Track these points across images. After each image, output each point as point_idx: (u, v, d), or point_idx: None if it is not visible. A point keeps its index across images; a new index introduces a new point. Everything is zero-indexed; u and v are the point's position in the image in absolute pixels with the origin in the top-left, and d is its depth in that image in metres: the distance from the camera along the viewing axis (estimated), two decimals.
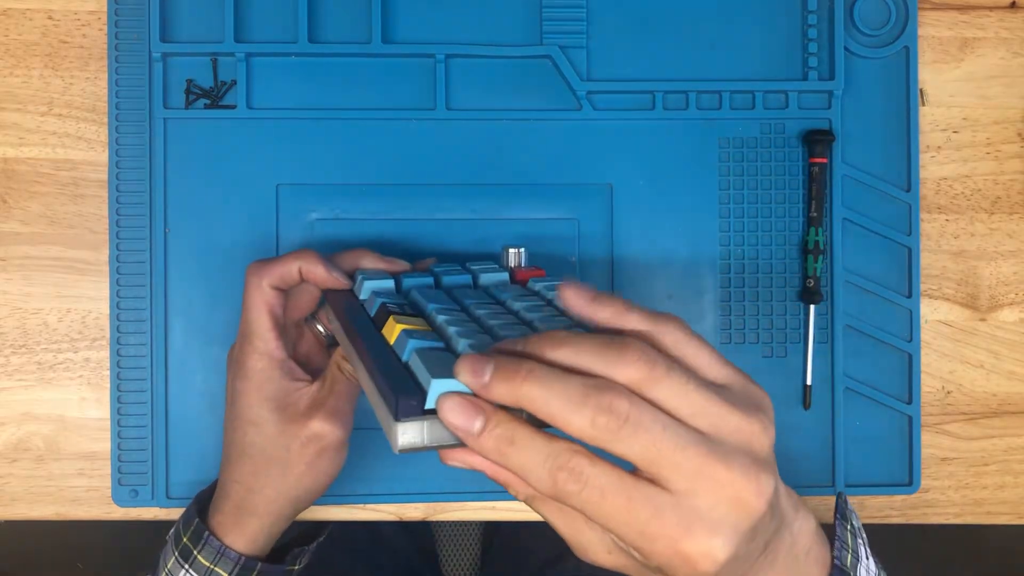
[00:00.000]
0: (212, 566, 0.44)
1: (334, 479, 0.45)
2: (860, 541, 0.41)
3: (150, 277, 0.50)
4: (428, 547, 0.77)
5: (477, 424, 0.29)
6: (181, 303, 0.51)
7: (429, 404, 0.29)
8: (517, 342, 0.30)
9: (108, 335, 0.51)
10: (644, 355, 0.29)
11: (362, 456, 0.50)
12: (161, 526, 0.49)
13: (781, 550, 0.33)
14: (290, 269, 0.43)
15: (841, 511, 0.41)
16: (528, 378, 0.28)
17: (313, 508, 0.52)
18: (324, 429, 0.43)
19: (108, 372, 0.51)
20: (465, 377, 0.29)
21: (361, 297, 0.42)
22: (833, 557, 0.38)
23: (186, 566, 0.44)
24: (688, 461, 0.28)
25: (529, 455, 0.29)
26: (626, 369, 0.29)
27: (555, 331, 0.30)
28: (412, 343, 0.32)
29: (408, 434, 0.29)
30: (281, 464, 0.43)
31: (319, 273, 0.43)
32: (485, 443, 0.29)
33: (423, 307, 0.37)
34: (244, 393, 0.43)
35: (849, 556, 0.39)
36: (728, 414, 0.29)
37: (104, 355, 0.51)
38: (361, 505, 0.52)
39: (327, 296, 0.44)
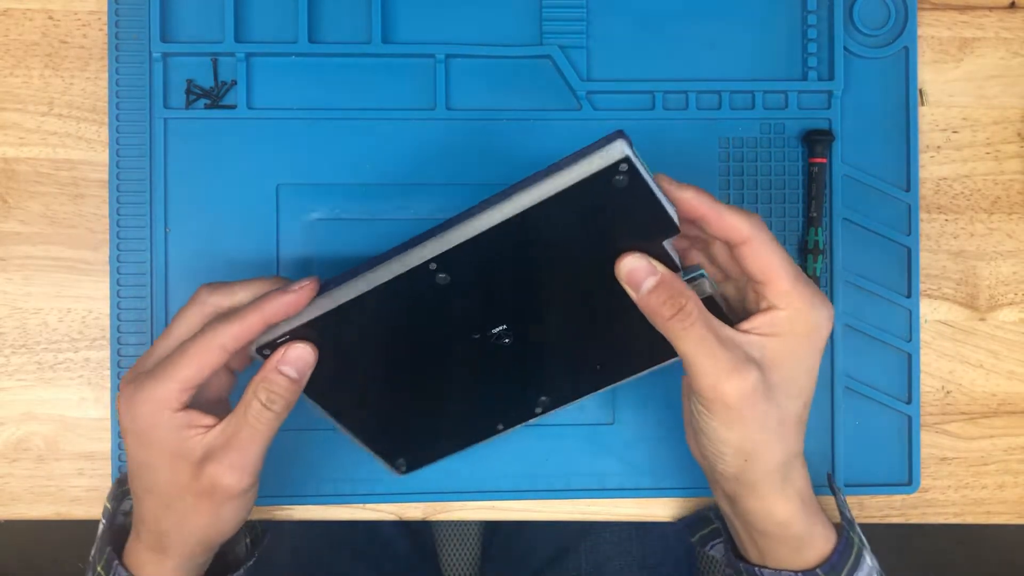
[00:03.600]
0: None
1: (245, 517, 0.42)
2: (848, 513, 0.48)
3: (150, 277, 0.50)
4: (428, 547, 0.77)
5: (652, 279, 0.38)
6: (181, 303, 0.50)
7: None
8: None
9: (108, 335, 0.51)
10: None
11: (362, 456, 0.50)
12: None
13: (800, 467, 0.43)
14: (250, 323, 0.38)
15: (832, 483, 0.49)
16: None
17: (313, 508, 0.52)
18: (220, 481, 0.39)
19: (108, 372, 0.51)
20: (642, 269, 0.38)
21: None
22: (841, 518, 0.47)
23: None
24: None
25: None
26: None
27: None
28: None
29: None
30: (181, 511, 0.40)
31: (291, 303, 0.39)
32: (658, 292, 0.38)
33: None
34: (134, 435, 0.40)
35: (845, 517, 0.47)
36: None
37: (104, 355, 0.51)
38: (361, 505, 0.52)
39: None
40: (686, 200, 0.39)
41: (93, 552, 0.45)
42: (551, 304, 0.41)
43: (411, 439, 0.47)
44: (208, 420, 0.40)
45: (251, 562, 0.48)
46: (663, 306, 0.38)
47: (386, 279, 0.38)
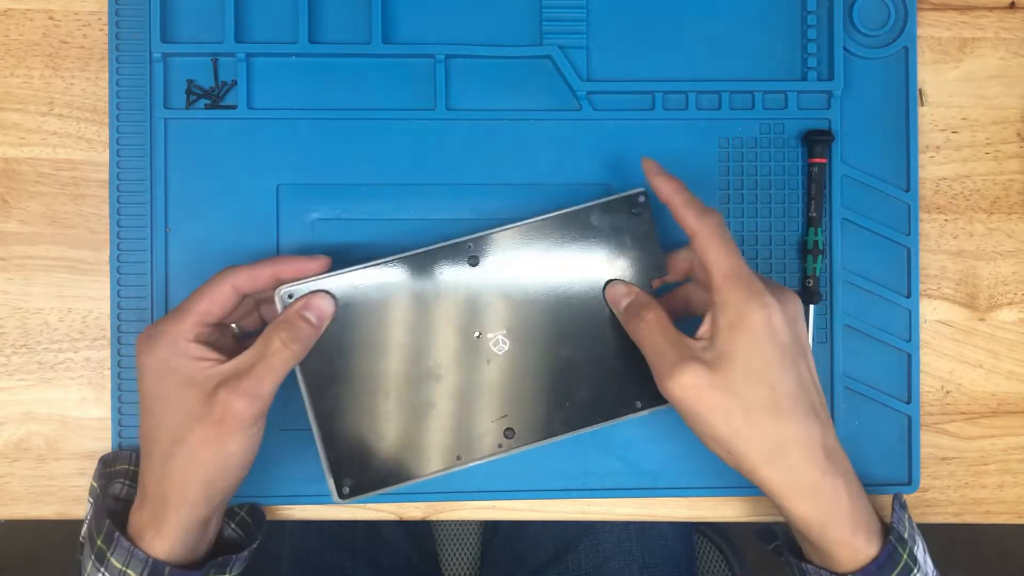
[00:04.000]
0: (123, 567, 0.42)
1: (248, 465, 0.43)
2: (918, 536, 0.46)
3: (150, 277, 0.51)
4: (428, 547, 0.77)
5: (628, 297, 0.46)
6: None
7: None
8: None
9: (108, 335, 0.51)
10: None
11: None
12: None
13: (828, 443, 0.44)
14: (262, 272, 0.44)
15: (900, 503, 0.47)
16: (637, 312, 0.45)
17: (313, 507, 0.52)
18: (232, 405, 0.40)
19: (108, 372, 0.51)
20: (621, 291, 0.46)
21: None
22: (892, 523, 0.45)
23: (101, 569, 0.42)
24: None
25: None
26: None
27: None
28: None
29: None
30: (189, 446, 0.41)
31: (303, 266, 0.45)
32: (630, 307, 0.46)
33: None
34: (150, 370, 0.42)
35: (907, 530, 0.45)
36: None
37: (104, 355, 0.52)
38: (361, 505, 0.52)
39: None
40: (657, 186, 0.45)
41: (84, 531, 0.45)
42: (552, 322, 0.47)
43: (370, 454, 0.47)
44: (221, 356, 0.43)
45: (255, 544, 0.47)
46: (630, 317, 0.45)
47: (424, 250, 0.46)
